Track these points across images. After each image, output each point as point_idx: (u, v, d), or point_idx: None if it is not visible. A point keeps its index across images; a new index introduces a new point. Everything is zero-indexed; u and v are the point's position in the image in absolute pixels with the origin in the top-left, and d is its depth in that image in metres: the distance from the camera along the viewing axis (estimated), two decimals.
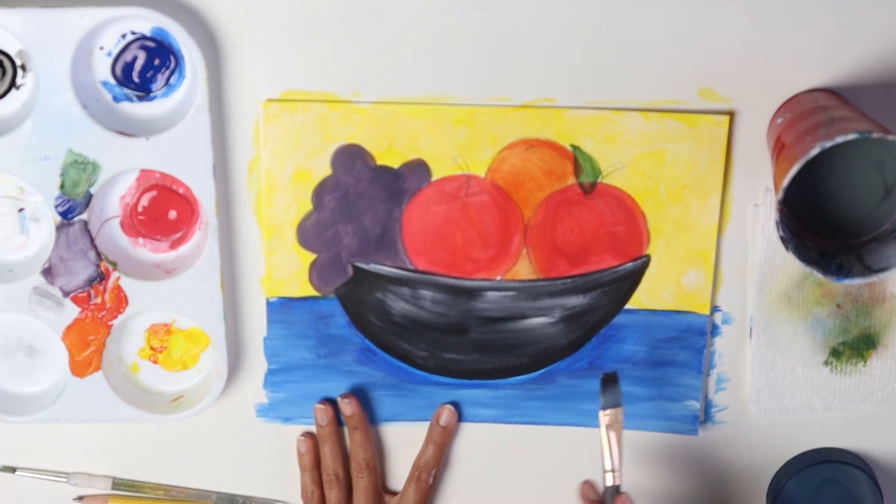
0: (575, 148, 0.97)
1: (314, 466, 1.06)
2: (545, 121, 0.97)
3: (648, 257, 1.00)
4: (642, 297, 1.01)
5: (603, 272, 1.01)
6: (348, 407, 1.04)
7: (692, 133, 0.96)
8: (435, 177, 0.98)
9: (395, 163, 0.98)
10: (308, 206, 0.99)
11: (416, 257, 1.00)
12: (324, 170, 0.98)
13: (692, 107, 0.96)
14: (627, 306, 1.01)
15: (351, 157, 0.98)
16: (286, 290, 1.01)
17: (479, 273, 1.01)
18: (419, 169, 0.98)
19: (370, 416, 1.05)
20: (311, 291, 1.01)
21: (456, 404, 1.05)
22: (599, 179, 0.98)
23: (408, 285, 1.01)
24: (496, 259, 1.00)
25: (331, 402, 1.05)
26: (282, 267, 1.01)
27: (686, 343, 1.02)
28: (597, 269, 1.01)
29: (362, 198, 0.99)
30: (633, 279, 1.01)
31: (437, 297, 1.01)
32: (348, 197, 0.99)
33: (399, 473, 1.08)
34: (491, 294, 1.01)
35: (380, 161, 0.98)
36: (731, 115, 0.96)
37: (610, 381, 0.97)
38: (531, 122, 0.97)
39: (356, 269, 1.01)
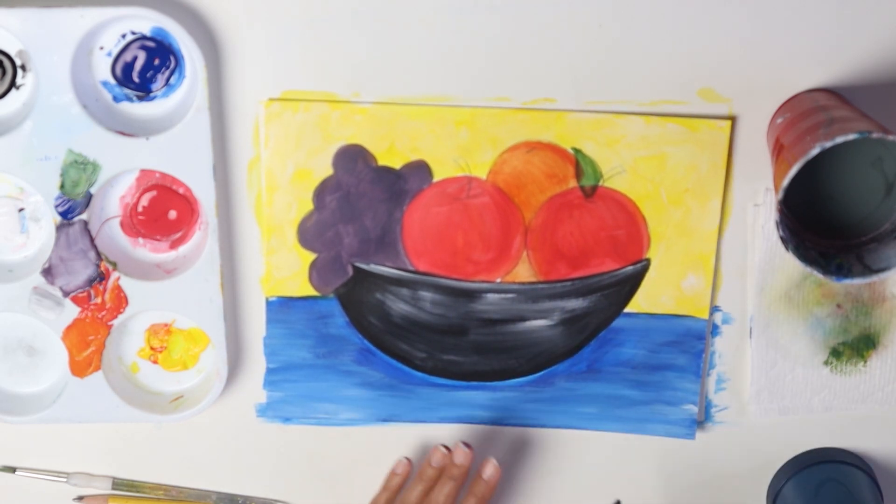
0: (576, 151, 0.97)
1: (396, 493, 1.04)
2: (547, 123, 0.97)
3: (648, 261, 1.00)
4: (642, 301, 1.01)
5: (603, 275, 1.01)
6: (463, 457, 1.01)
7: (693, 137, 0.96)
8: (436, 178, 0.98)
9: (396, 163, 0.98)
10: (309, 205, 0.99)
11: (417, 258, 1.00)
12: (325, 170, 0.98)
13: (692, 107, 0.96)
14: (627, 310, 1.01)
15: (352, 158, 0.98)
16: (286, 290, 1.01)
17: (480, 275, 1.01)
18: (420, 170, 0.98)
19: (369, 417, 1.05)
20: (311, 291, 1.01)
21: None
22: (600, 183, 0.98)
23: (408, 286, 1.01)
24: (496, 261, 1.00)
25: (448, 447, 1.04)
26: (282, 266, 1.01)
27: (685, 347, 1.02)
28: (597, 272, 1.01)
29: (363, 198, 0.99)
30: (632, 283, 1.01)
31: (436, 299, 1.01)
32: (349, 197, 0.99)
33: None
34: (491, 296, 1.01)
35: (381, 161, 0.98)
36: (733, 119, 0.96)
37: None
38: (533, 125, 0.97)
39: (356, 269, 1.01)
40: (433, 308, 1.02)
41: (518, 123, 0.97)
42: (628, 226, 0.99)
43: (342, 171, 0.98)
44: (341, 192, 0.99)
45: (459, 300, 1.01)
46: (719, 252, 1.00)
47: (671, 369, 1.03)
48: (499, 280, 1.01)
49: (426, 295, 1.01)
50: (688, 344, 1.02)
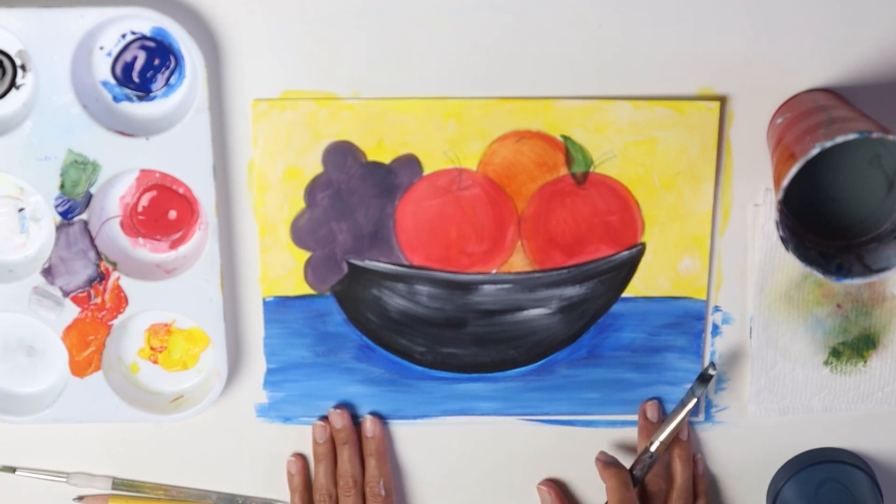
0: (566, 138, 0.97)
1: (305, 488, 1.06)
2: (535, 112, 0.97)
3: (643, 245, 1.00)
4: (639, 285, 1.01)
5: (598, 261, 1.01)
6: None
7: (683, 120, 0.96)
8: (426, 171, 0.99)
9: (385, 158, 0.98)
10: (301, 204, 0.99)
11: (411, 252, 1.00)
12: (315, 167, 0.98)
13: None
14: (624, 294, 1.02)
15: (342, 154, 0.98)
16: (282, 289, 1.02)
17: (475, 266, 1.01)
18: (410, 164, 0.98)
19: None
20: (307, 290, 1.02)
21: (377, 414, 1.05)
22: (592, 169, 0.98)
23: (403, 281, 1.01)
24: (491, 252, 1.00)
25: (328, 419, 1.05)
26: (276, 266, 1.01)
27: (684, 328, 1.02)
28: (592, 258, 1.01)
29: (354, 194, 0.99)
30: (629, 267, 1.01)
31: (433, 292, 1.01)
32: (341, 194, 0.99)
33: (402, 472, 1.08)
34: (487, 287, 1.01)
35: (371, 157, 0.98)
36: (723, 100, 0.96)
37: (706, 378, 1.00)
38: (521, 114, 0.97)
39: (351, 266, 1.01)
40: (430, 302, 1.02)
41: (505, 113, 0.97)
42: (622, 211, 0.99)
43: (332, 169, 0.98)
44: (332, 189, 0.99)
45: (456, 293, 1.01)
46: (717, 245, 1.00)
47: (671, 350, 1.03)
48: (494, 271, 1.01)
49: (422, 289, 1.01)
50: (687, 325, 1.02)
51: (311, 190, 0.99)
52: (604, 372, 1.04)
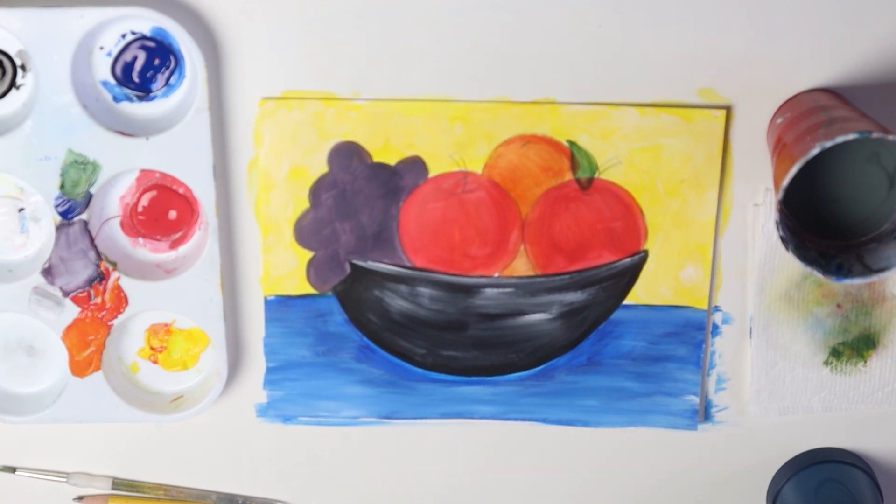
0: (571, 143, 0.97)
1: None
2: (541, 117, 0.97)
3: (646, 252, 1.00)
4: (640, 293, 1.01)
5: (601, 268, 1.01)
6: None
7: (689, 128, 0.96)
8: (432, 174, 0.99)
9: (391, 160, 0.98)
10: (305, 203, 0.99)
11: (414, 254, 1.00)
12: (320, 167, 0.98)
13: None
14: (626, 302, 1.01)
15: (347, 155, 0.98)
16: (284, 289, 1.02)
17: (477, 270, 1.01)
18: (416, 166, 0.98)
19: (370, 414, 1.05)
20: (309, 289, 1.02)
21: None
22: (596, 175, 0.98)
23: (406, 283, 1.01)
24: (494, 256, 1.00)
25: None
26: (279, 265, 1.01)
27: (685, 338, 1.02)
28: (594, 264, 1.01)
29: (359, 195, 0.99)
30: (631, 275, 1.01)
31: (435, 295, 1.01)
32: (345, 194, 0.99)
33: (399, 472, 1.08)
34: (489, 291, 1.01)
35: (376, 158, 0.98)
36: (728, 109, 0.96)
37: None
38: (527, 119, 0.97)
39: (354, 266, 1.01)
40: (432, 304, 1.02)
41: (512, 117, 0.97)
42: (625, 217, 0.99)
43: (337, 169, 0.98)
44: (337, 189, 0.99)
45: (458, 296, 1.01)
46: (719, 250, 1.00)
47: (671, 360, 1.03)
48: (497, 275, 1.01)
49: (424, 291, 1.01)
50: (688, 335, 1.02)
51: (316, 189, 0.99)
52: (603, 379, 1.04)
